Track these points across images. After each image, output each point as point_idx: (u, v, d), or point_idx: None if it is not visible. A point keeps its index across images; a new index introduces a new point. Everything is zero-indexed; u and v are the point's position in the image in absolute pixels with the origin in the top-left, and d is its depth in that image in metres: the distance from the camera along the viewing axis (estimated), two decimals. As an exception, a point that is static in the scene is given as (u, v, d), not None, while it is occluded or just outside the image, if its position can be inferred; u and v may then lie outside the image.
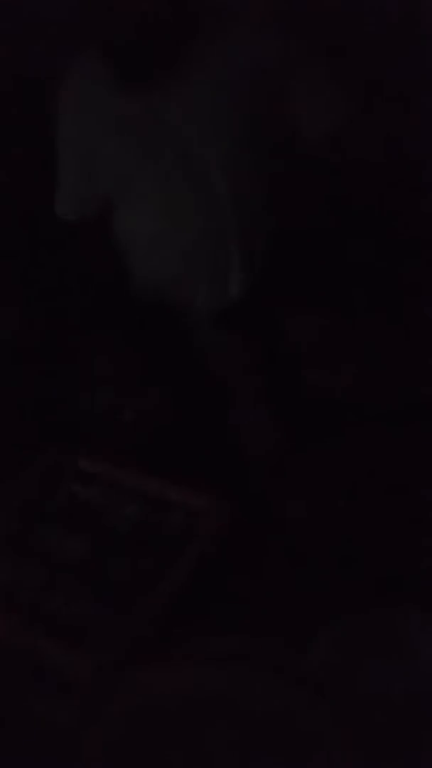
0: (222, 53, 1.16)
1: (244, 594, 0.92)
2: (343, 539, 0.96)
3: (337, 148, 1.15)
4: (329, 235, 1.18)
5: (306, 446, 1.09)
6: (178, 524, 0.99)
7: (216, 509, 1.00)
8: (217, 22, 1.17)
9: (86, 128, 1.24)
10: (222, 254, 1.18)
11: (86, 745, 0.74)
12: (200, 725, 0.69)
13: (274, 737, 0.67)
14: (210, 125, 1.17)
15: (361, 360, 1.14)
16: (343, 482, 1.04)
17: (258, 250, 1.19)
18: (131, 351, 1.22)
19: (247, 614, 0.88)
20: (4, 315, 1.28)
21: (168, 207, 1.21)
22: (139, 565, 0.94)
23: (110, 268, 1.29)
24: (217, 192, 1.18)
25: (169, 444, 1.13)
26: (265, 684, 0.70)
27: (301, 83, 1.16)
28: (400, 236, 1.19)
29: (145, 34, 1.12)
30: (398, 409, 1.09)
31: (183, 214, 1.20)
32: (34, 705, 0.82)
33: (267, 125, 1.17)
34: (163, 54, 1.13)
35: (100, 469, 1.08)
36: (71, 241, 1.32)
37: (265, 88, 1.15)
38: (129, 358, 1.22)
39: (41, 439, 1.13)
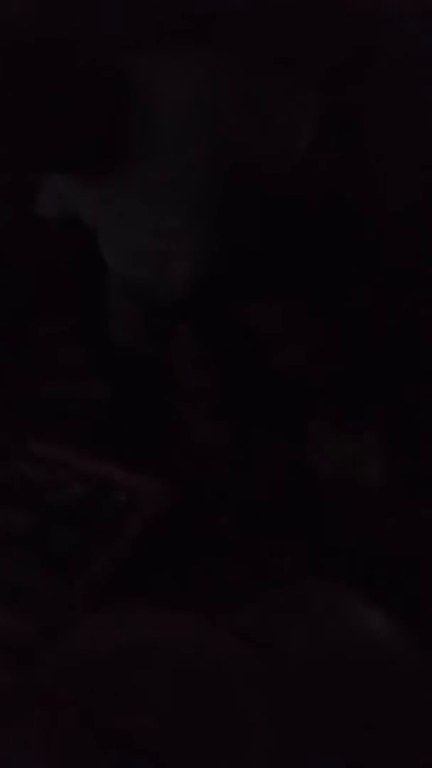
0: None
1: (180, 572, 0.97)
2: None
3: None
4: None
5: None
6: (121, 503, 1.04)
7: (158, 491, 1.05)
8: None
9: None
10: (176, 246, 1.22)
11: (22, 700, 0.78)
12: (133, 671, 0.74)
13: (206, 684, 0.72)
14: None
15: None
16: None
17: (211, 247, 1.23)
18: (84, 340, 1.27)
19: (181, 590, 0.94)
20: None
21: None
22: (82, 540, 0.99)
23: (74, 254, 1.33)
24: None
25: (116, 432, 1.19)
26: (198, 632, 0.75)
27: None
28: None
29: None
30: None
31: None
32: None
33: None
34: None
35: (48, 452, 1.12)
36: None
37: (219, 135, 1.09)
38: (81, 347, 1.27)
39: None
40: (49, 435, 1.14)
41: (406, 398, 1.15)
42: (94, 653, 0.76)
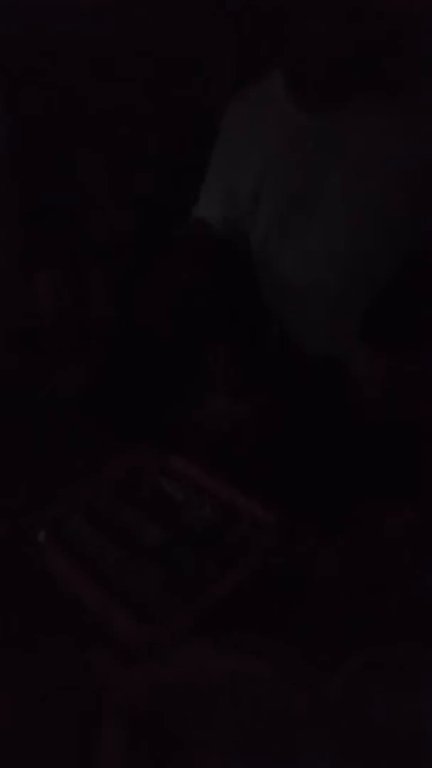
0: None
1: (288, 610, 1.05)
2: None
3: None
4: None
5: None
6: (243, 533, 1.13)
7: (279, 525, 1.13)
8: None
9: (253, 144, 1.37)
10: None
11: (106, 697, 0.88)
12: (212, 705, 0.83)
13: (269, 736, 0.80)
14: (374, 178, 1.27)
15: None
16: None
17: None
18: (241, 363, 1.37)
19: (283, 630, 1.01)
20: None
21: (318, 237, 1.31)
22: (205, 562, 1.09)
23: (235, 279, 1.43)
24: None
25: (252, 458, 1.27)
26: (275, 685, 0.84)
27: None
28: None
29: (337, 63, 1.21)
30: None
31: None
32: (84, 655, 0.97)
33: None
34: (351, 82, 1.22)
35: (185, 470, 1.22)
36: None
37: None
38: (237, 370, 1.36)
39: (137, 437, 1.28)
40: (190, 454, 1.25)
41: None
42: (184, 678, 0.86)
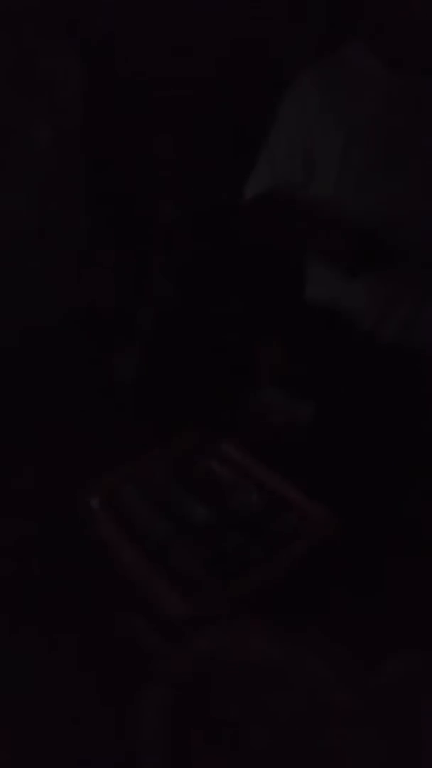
0: None
1: (333, 601, 1.06)
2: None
3: None
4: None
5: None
6: (290, 522, 1.14)
7: (326, 518, 1.15)
8: None
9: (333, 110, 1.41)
10: None
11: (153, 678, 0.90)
12: (252, 685, 0.84)
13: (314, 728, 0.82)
14: None
15: None
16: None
17: None
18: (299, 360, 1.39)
19: (328, 622, 1.02)
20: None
21: None
22: (250, 547, 1.10)
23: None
24: None
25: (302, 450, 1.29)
26: (323, 675, 0.85)
27: None
28: None
29: None
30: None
31: None
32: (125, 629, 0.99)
33: None
34: None
35: (236, 455, 1.24)
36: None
37: None
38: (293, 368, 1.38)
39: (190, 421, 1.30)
40: (243, 441, 1.27)
41: None
42: (224, 657, 0.87)
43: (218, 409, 1.33)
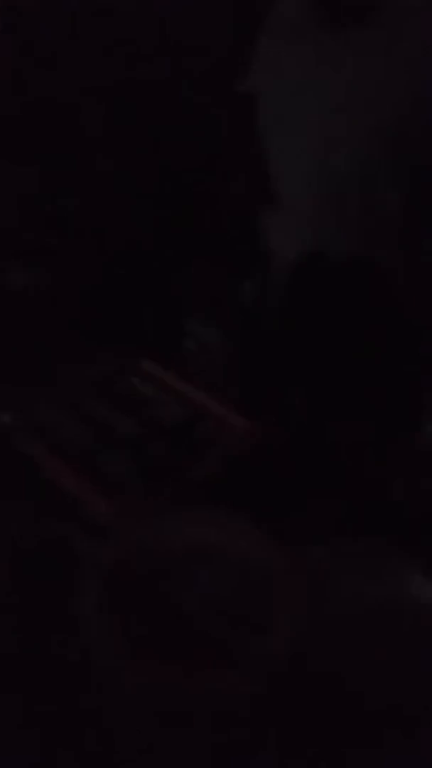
0: None
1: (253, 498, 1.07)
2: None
3: None
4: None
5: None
6: (211, 431, 1.16)
7: (247, 428, 1.17)
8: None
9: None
10: None
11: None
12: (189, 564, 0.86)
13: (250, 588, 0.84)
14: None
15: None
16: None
17: None
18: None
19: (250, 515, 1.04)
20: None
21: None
22: (172, 455, 1.11)
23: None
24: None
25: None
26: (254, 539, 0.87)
27: None
28: None
29: None
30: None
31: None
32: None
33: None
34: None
35: (158, 372, 1.25)
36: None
37: None
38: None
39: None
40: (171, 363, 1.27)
41: None
42: (152, 542, 0.88)
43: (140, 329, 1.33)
